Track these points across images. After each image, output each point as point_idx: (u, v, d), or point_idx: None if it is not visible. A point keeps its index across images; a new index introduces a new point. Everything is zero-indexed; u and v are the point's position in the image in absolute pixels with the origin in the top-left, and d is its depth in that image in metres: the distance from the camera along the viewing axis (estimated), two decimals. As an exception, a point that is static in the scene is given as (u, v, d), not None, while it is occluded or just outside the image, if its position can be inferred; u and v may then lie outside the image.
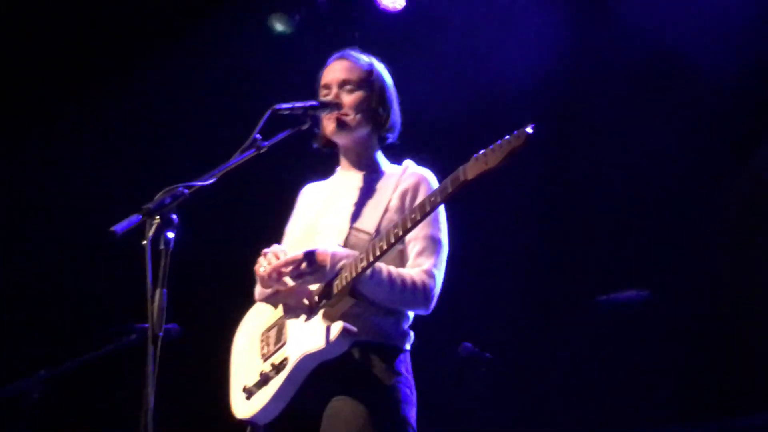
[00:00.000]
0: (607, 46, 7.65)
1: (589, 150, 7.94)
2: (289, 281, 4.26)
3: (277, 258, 4.26)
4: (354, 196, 4.45)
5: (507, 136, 3.75)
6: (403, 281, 4.19)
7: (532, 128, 3.70)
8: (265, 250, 4.32)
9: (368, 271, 4.10)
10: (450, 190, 3.88)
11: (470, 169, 3.82)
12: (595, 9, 7.66)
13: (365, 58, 4.62)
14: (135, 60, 8.12)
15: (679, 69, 7.48)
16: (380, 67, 4.63)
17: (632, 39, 7.45)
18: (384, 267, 4.18)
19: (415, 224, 4.00)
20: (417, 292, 4.21)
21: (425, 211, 3.97)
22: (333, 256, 4.14)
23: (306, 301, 4.23)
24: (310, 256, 4.15)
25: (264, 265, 4.26)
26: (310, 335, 4.14)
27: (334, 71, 4.55)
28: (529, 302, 7.93)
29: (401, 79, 4.71)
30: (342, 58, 4.60)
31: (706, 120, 7.51)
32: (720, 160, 7.53)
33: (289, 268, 4.17)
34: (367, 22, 7.88)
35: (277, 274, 4.20)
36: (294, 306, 4.30)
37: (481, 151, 3.80)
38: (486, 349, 6.82)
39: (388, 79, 4.63)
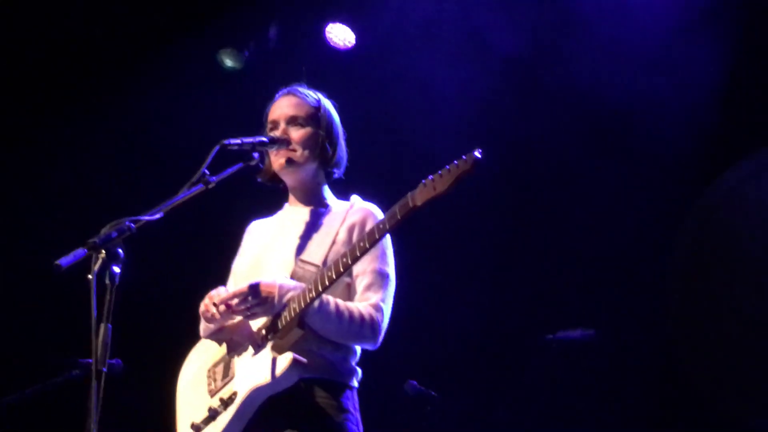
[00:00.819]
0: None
1: (536, 189, 7.99)
2: (237, 317, 4.25)
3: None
4: (300, 230, 4.44)
5: (455, 162, 3.78)
6: (351, 314, 4.17)
7: (480, 153, 3.73)
8: (210, 293, 4.29)
9: (316, 303, 4.08)
10: (399, 216, 3.89)
11: (418, 195, 3.83)
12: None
13: (313, 95, 4.62)
14: (82, 93, 8.08)
15: (627, 116, 7.55)
16: (327, 104, 4.64)
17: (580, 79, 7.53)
18: (332, 299, 4.17)
19: (363, 252, 4.00)
20: (365, 326, 4.20)
21: (374, 238, 3.97)
22: (280, 287, 4.12)
23: (253, 336, 4.22)
24: (255, 288, 4.12)
25: (212, 308, 4.23)
26: (258, 368, 4.12)
27: (282, 107, 4.55)
28: (477, 341, 7.93)
29: (351, 114, 4.73)
30: (290, 94, 4.60)
31: (653, 160, 7.58)
32: (668, 200, 7.59)
33: (235, 301, 4.14)
34: (317, 59, 7.91)
35: (225, 308, 4.17)
36: (241, 341, 4.27)
37: (429, 177, 3.82)
38: (432, 388, 6.82)
39: (335, 115, 4.64)
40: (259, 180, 4.65)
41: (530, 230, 8.00)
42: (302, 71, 4.82)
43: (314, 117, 4.53)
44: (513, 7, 7.59)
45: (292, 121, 4.50)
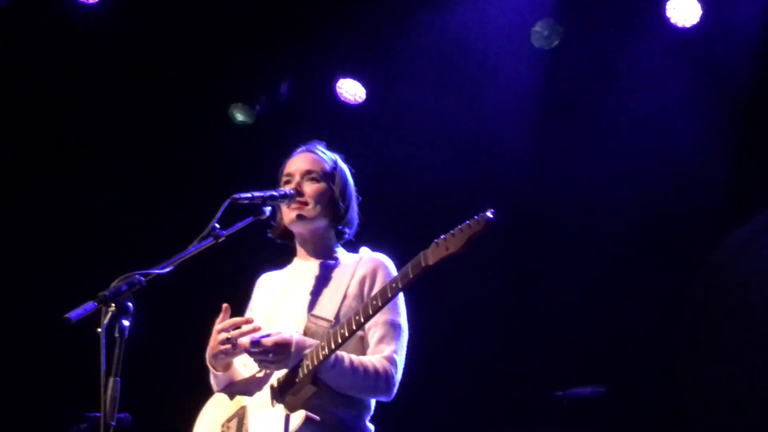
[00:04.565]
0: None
1: (547, 245, 7.97)
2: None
3: (237, 326, 4.25)
4: (311, 284, 4.45)
5: (467, 222, 3.78)
6: (366, 369, 4.17)
7: (492, 213, 3.73)
8: (218, 327, 4.29)
9: (331, 359, 4.08)
10: (411, 276, 3.89)
11: (431, 255, 3.84)
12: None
13: (331, 155, 4.67)
14: (93, 145, 8.13)
15: (638, 169, 7.57)
16: (344, 166, 4.69)
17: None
18: (346, 355, 4.16)
19: (376, 311, 4.00)
20: (379, 380, 4.20)
21: (386, 297, 3.97)
22: (297, 343, 4.11)
23: (267, 391, 4.21)
24: (273, 342, 4.11)
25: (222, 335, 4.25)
26: (272, 425, 4.11)
27: (299, 162, 4.59)
28: (486, 397, 7.89)
29: (361, 168, 4.75)
30: (308, 151, 4.65)
31: (664, 214, 7.57)
32: (678, 255, 7.57)
33: (254, 349, 4.12)
34: (328, 114, 7.95)
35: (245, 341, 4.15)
36: (254, 397, 4.26)
37: (442, 236, 3.83)
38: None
39: (350, 177, 4.69)
40: (270, 236, 4.67)
41: (540, 286, 7.97)
42: (323, 132, 4.86)
43: (329, 174, 4.57)
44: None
45: (307, 174, 4.53)
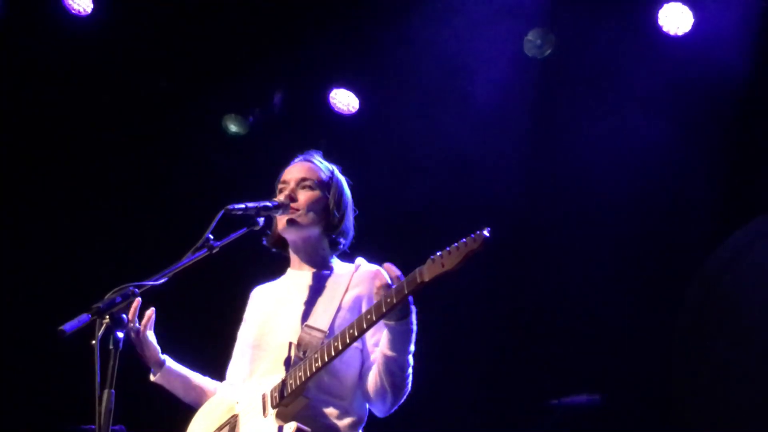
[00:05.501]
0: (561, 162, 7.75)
1: (541, 254, 7.97)
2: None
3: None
4: (305, 294, 4.44)
5: (464, 239, 3.77)
6: (409, 372, 4.19)
7: (489, 232, 3.72)
8: None
9: (412, 347, 4.10)
10: (406, 291, 3.88)
11: (427, 271, 3.83)
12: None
13: (328, 165, 4.66)
14: (87, 156, 8.13)
15: (630, 180, 7.58)
16: (340, 176, 4.67)
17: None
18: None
19: (370, 325, 3.98)
20: (406, 386, 4.22)
21: (381, 312, 3.95)
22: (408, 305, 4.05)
23: (259, 402, 4.20)
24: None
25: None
26: (262, 436, 4.09)
27: (295, 170, 4.58)
28: (481, 406, 7.88)
29: (355, 177, 4.75)
30: (305, 160, 4.64)
31: (659, 224, 7.58)
32: (670, 265, 7.58)
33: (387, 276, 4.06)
34: (321, 125, 7.95)
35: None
36: (246, 406, 4.26)
37: (438, 253, 3.81)
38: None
39: (346, 188, 4.66)
40: (264, 244, 4.66)
41: (535, 295, 7.97)
42: (320, 143, 4.86)
43: (325, 183, 4.56)
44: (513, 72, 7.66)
45: (302, 182, 4.52)
